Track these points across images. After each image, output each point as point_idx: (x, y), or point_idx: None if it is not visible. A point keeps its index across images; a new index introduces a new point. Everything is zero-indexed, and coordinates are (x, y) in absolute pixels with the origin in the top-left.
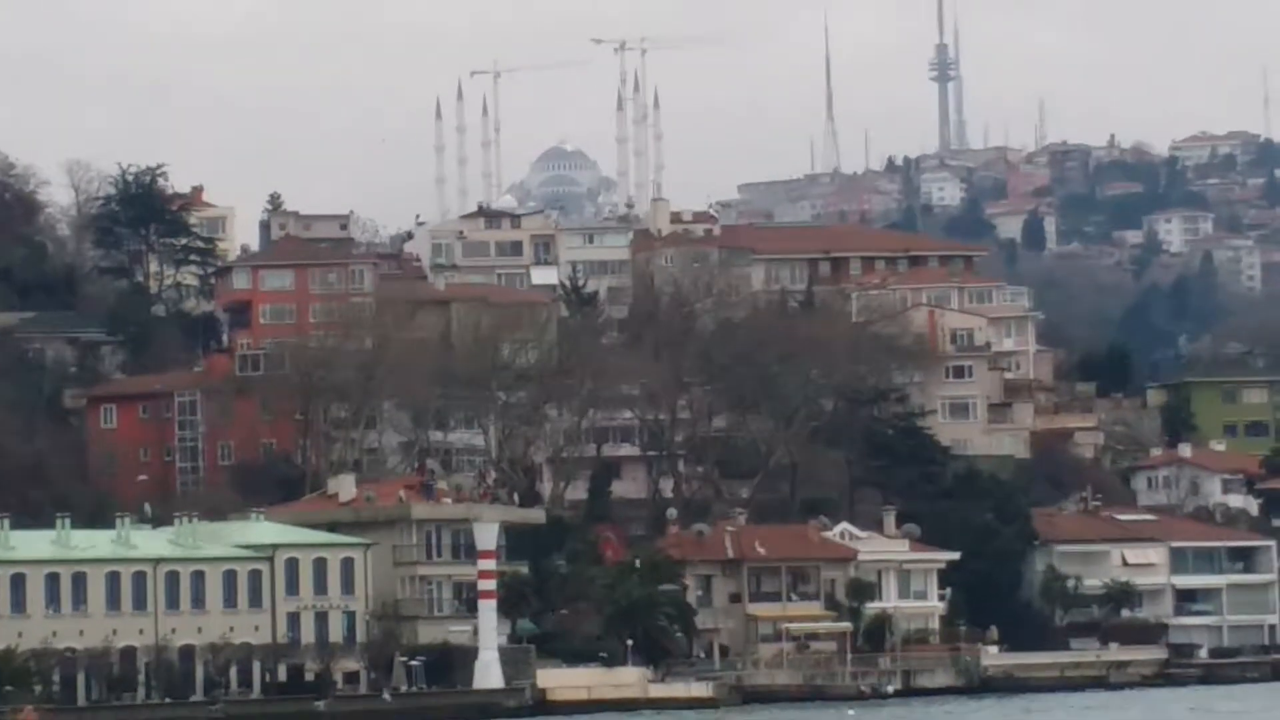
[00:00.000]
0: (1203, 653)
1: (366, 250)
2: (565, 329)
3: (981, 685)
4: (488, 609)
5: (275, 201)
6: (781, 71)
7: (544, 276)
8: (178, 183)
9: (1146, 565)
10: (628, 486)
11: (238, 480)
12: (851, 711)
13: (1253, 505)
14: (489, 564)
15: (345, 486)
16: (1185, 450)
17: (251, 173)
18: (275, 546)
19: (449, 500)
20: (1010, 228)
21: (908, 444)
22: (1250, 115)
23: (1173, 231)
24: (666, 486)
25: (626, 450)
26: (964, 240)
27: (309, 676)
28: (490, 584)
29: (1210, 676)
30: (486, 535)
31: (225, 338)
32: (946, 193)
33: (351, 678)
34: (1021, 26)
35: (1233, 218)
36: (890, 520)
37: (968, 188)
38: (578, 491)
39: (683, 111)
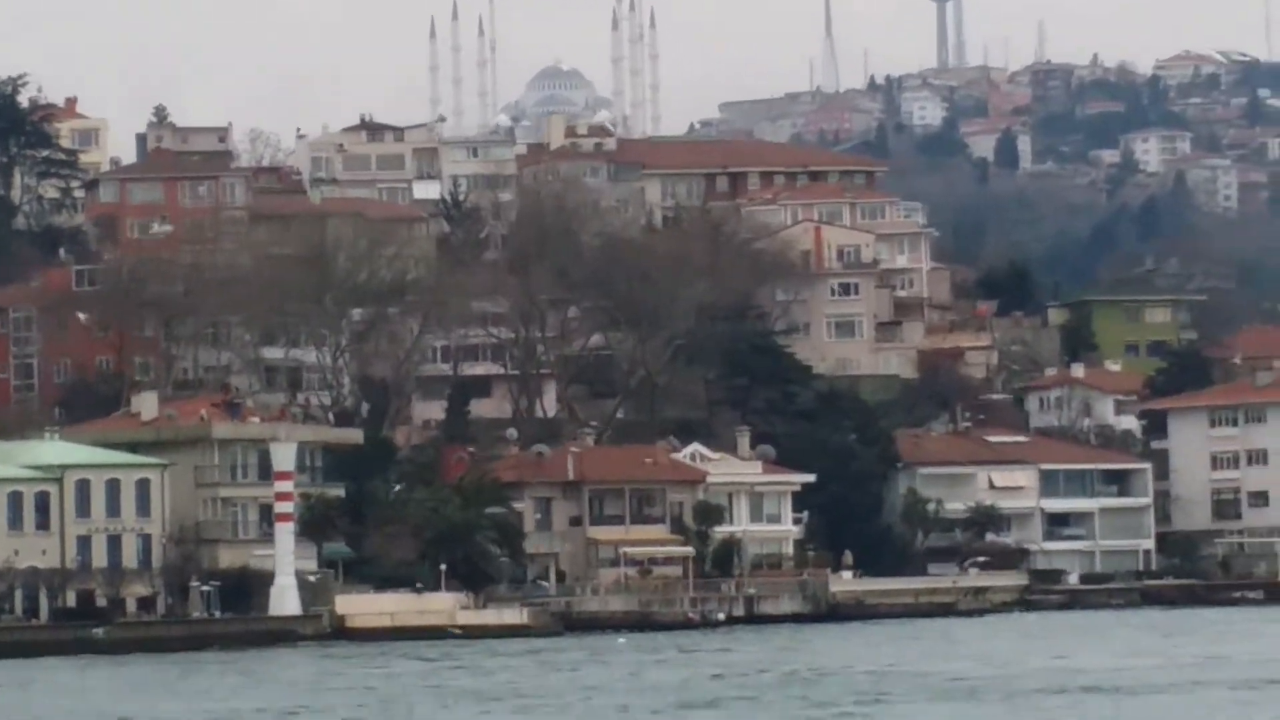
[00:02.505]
0: (1072, 579)
1: (254, 164)
2: (442, 245)
3: (830, 612)
4: (285, 532)
5: (160, 114)
6: None
7: (426, 191)
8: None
9: (1015, 488)
10: (493, 406)
11: (69, 398)
12: (621, 640)
13: (1138, 427)
14: (286, 485)
15: (148, 405)
16: (1078, 370)
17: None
18: (65, 467)
19: (256, 419)
20: (984, 147)
21: (765, 363)
22: (1246, 35)
23: (1150, 151)
24: (536, 406)
25: (483, 369)
26: (936, 159)
27: (100, 602)
28: (287, 506)
29: (1074, 603)
30: (284, 455)
31: (63, 253)
32: (928, 112)
33: (147, 603)
34: None
35: (1212, 137)
36: (744, 441)
37: (949, 107)
38: (437, 411)
39: (679, 31)
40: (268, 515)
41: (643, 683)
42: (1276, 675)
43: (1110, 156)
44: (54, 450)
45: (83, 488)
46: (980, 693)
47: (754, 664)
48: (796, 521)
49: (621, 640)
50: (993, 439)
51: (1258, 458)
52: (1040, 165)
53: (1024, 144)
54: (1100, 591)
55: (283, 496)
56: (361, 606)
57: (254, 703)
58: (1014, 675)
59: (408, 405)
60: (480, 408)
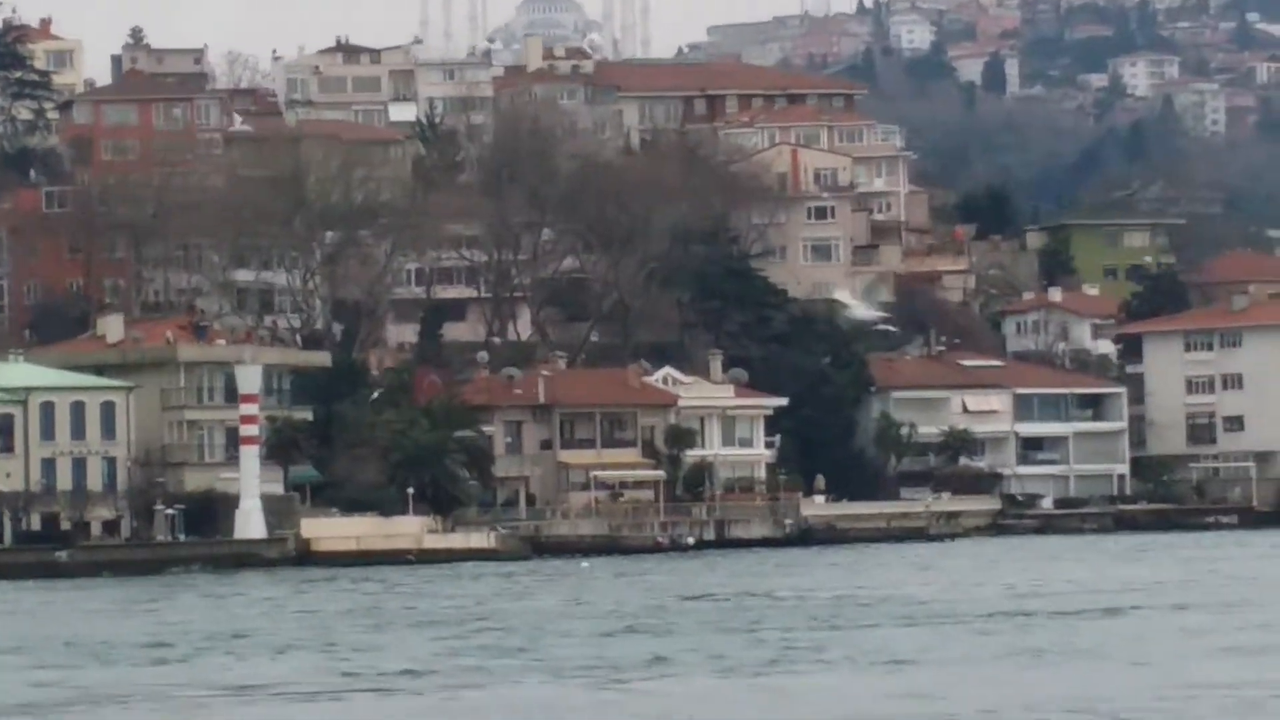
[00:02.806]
0: (1046, 503)
1: (231, 86)
2: (417, 168)
3: (801, 536)
4: (250, 455)
5: (136, 35)
6: None
7: (402, 113)
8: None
9: (989, 412)
10: (467, 329)
11: (38, 321)
12: (585, 564)
13: (1114, 351)
14: (251, 408)
15: (113, 327)
16: (1055, 294)
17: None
18: (29, 389)
19: (223, 342)
20: (972, 70)
21: (739, 286)
22: None
23: (1138, 75)
24: (509, 329)
25: (456, 292)
26: (924, 82)
27: (65, 525)
28: (252, 429)
29: (1047, 528)
30: (249, 378)
31: (34, 174)
32: (916, 35)
33: (111, 526)
34: None
35: (1200, 62)
36: (717, 365)
37: (937, 30)
38: (411, 334)
39: None
40: (234, 438)
41: (595, 608)
42: (1235, 599)
43: (1098, 80)
44: (18, 372)
45: (47, 410)
46: (939, 618)
47: (714, 588)
48: (769, 445)
49: (585, 564)
50: (967, 363)
51: (1233, 382)
52: (1028, 89)
53: (1012, 68)
54: (1073, 516)
55: (248, 419)
56: (327, 530)
57: (206, 625)
58: (974, 600)
59: (380, 328)
60: (454, 331)
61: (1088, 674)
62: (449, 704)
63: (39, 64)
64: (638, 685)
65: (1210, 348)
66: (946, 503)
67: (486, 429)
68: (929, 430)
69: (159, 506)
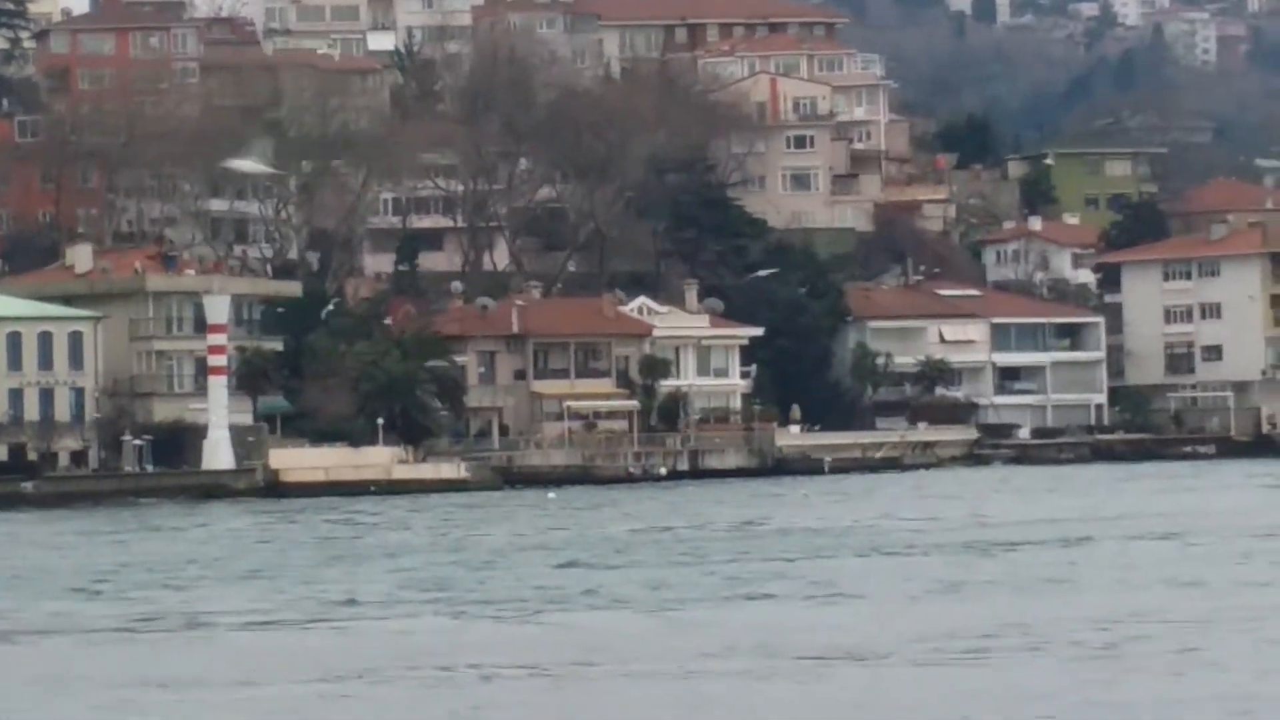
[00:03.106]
0: (1024, 433)
1: (212, 15)
2: (396, 97)
3: (775, 466)
4: (218, 386)
5: None
6: None
7: (380, 42)
8: None
9: (966, 342)
10: (444, 259)
11: (10, 251)
12: (551, 495)
13: (1094, 280)
14: (219, 338)
15: (82, 257)
16: (1035, 223)
17: None
18: None
19: (192, 272)
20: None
21: (715, 216)
22: None
23: (1128, 4)
24: (486, 259)
25: (432, 222)
26: (912, 12)
27: (32, 456)
28: (220, 359)
29: (1023, 458)
30: (217, 308)
31: (6, 104)
32: None
33: (79, 457)
34: None
35: None
36: (692, 295)
37: None
38: (388, 264)
39: None
40: (203, 368)
41: (550, 539)
42: (1194, 529)
43: (1089, 9)
44: None
45: (14, 340)
46: (898, 548)
47: (680, 519)
48: (744, 375)
49: (551, 495)
50: (944, 292)
51: (1211, 311)
52: (1018, 18)
53: None
54: (1050, 446)
55: (215, 349)
56: (296, 461)
57: (161, 557)
58: (938, 530)
59: (356, 258)
60: (431, 261)
61: (1027, 603)
62: (366, 636)
63: None
64: (554, 619)
65: (1189, 277)
66: (922, 433)
67: (460, 359)
68: (905, 360)
69: (127, 437)
